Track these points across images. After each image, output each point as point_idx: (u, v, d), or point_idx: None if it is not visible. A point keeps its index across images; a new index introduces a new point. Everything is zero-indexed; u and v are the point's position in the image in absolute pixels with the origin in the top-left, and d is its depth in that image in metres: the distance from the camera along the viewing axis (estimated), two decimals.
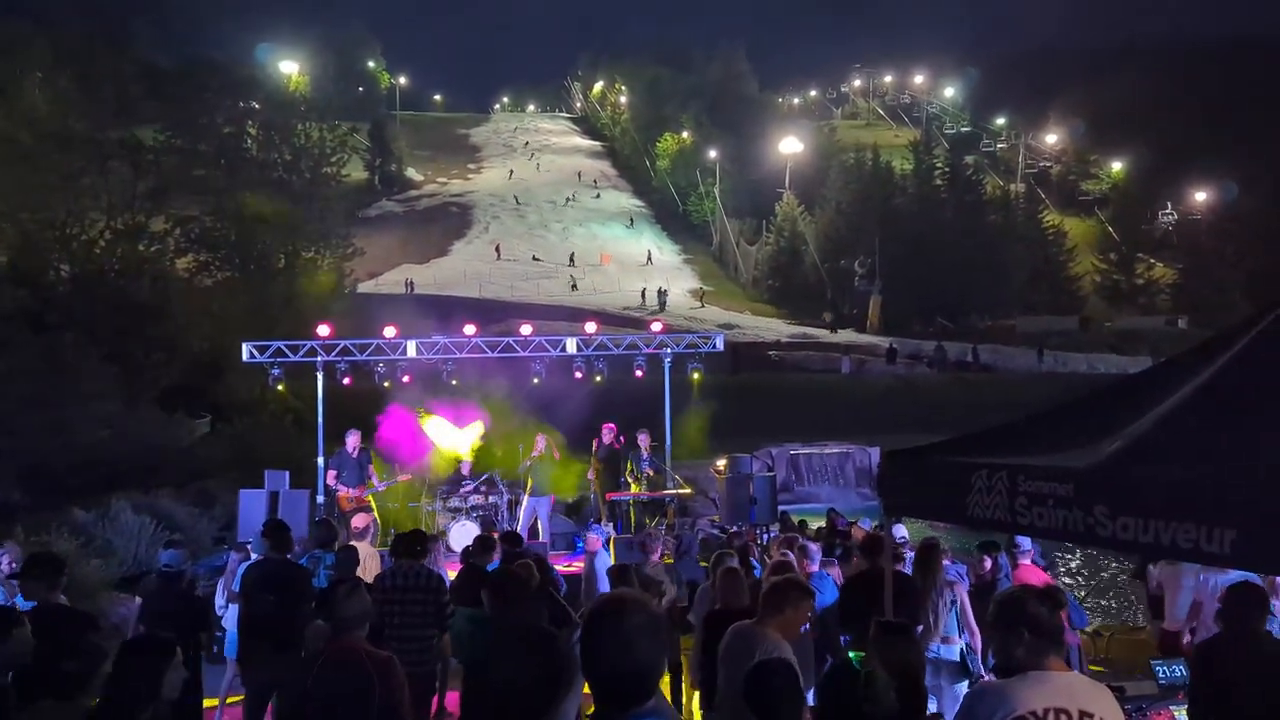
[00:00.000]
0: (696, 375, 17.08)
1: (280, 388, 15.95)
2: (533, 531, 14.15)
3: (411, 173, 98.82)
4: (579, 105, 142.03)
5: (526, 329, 16.75)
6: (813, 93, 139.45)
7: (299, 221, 34.26)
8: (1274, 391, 4.03)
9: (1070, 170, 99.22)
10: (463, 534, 13.77)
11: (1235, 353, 4.36)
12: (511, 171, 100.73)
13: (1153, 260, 76.20)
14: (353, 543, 8.82)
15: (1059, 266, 72.20)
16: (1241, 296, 62.46)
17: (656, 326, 17.74)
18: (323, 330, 15.42)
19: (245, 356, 15.45)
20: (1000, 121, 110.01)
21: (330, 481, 13.88)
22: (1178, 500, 3.62)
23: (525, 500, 14.32)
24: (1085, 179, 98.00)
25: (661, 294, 62.69)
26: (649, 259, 76.58)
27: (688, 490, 16.05)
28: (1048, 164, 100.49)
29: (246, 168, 35.08)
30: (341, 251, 37.75)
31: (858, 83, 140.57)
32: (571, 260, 72.67)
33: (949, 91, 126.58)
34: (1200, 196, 79.25)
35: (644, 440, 14.95)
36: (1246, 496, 3.40)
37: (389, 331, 15.72)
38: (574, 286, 67.31)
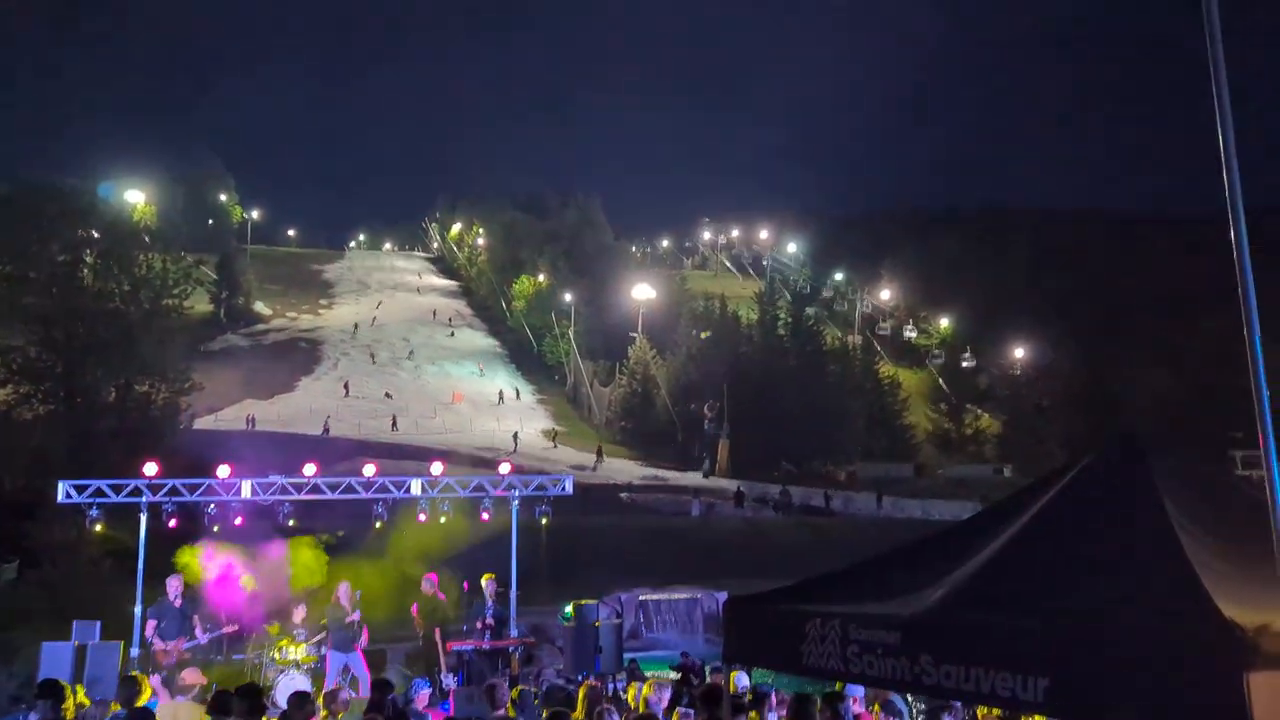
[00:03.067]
0: (544, 520, 16.88)
1: (99, 528, 14.92)
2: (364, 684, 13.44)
3: (260, 307, 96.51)
4: (436, 245, 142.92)
5: (370, 469, 16.29)
6: (665, 243, 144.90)
7: (133, 354, 32.76)
8: (1081, 541, 4.33)
9: (902, 324, 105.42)
10: (292, 689, 12.98)
11: (1047, 502, 4.68)
12: (366, 308, 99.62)
13: (979, 411, 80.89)
14: (179, 699, 8.21)
15: (894, 415, 75.68)
16: (1058, 446, 66.75)
17: (505, 468, 17.54)
18: (149, 469, 14.60)
19: (61, 496, 14.45)
20: (838, 277, 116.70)
21: (148, 633, 12.91)
22: (995, 649, 3.81)
23: (328, 653, 13.60)
24: (916, 333, 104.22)
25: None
26: (500, 399, 76.28)
27: (532, 640, 15.65)
28: (882, 318, 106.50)
29: (80, 297, 33.47)
30: (179, 386, 36.13)
31: (707, 235, 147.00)
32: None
33: (791, 247, 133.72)
34: (1019, 353, 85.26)
35: (489, 587, 14.58)
36: (1058, 646, 3.61)
37: (223, 470, 15.00)
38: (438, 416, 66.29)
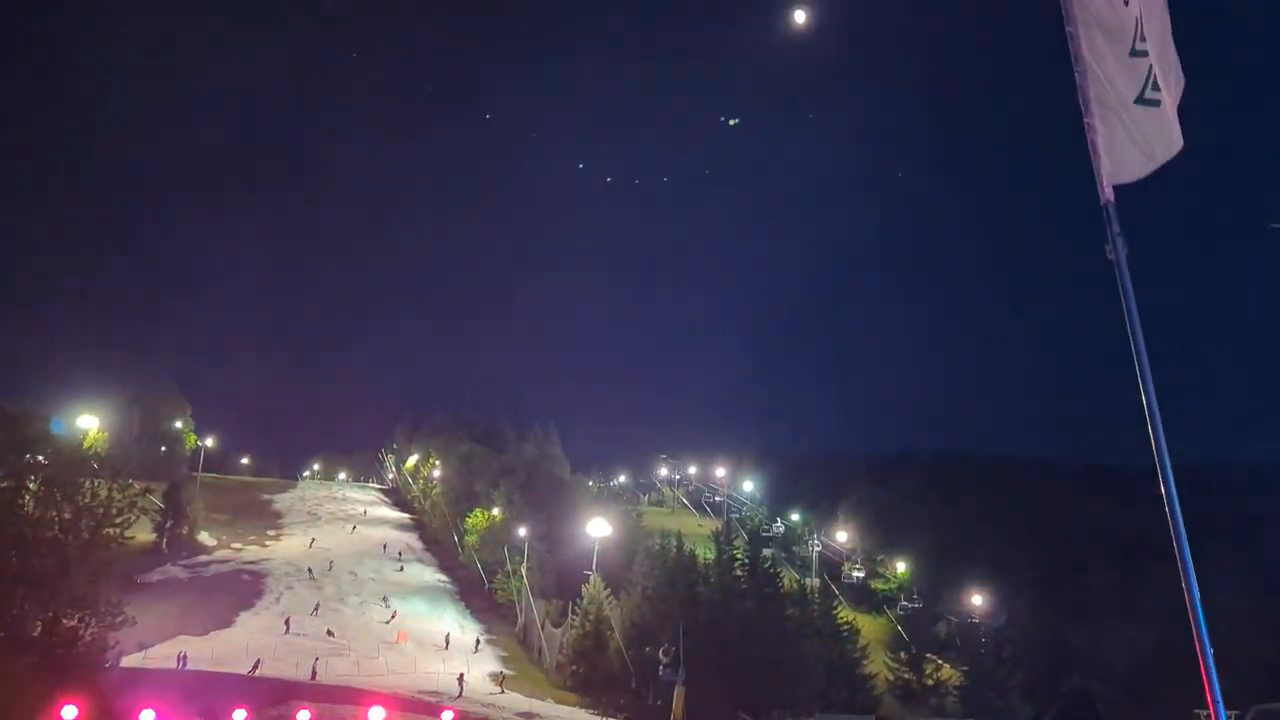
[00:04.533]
0: None
1: None
2: None
3: (204, 536, 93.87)
4: (391, 477, 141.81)
5: (304, 714, 15.44)
6: (621, 478, 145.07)
7: (65, 586, 31.50)
8: None
9: (856, 567, 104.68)
10: None
11: None
12: (313, 540, 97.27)
13: (940, 660, 78.99)
14: None
15: (854, 664, 73.56)
16: (1021, 700, 65.09)
17: (448, 715, 16.69)
18: (69, 711, 13.74)
19: None
20: (795, 517, 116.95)
21: None
22: None
23: None
24: (874, 578, 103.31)
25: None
26: (446, 643, 73.08)
27: None
28: (842, 560, 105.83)
29: (19, 524, 32.50)
30: (109, 620, 34.52)
31: (663, 471, 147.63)
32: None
33: (747, 485, 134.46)
34: (977, 600, 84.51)
35: None
36: None
37: (146, 715, 14.15)
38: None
